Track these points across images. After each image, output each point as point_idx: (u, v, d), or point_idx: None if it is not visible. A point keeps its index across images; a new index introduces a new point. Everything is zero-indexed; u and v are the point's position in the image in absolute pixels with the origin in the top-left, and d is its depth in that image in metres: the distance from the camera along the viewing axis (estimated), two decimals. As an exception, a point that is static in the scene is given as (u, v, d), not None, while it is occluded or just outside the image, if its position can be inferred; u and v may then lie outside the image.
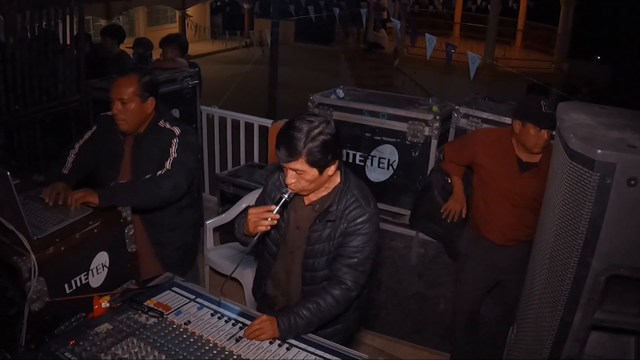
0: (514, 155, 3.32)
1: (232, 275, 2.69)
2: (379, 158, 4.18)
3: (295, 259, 2.59)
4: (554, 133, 3.31)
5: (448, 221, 3.69)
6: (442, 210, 3.72)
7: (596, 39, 17.49)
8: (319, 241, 2.48)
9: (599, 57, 18.68)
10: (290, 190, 2.36)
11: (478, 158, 3.45)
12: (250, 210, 2.40)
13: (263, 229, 2.36)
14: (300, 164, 2.26)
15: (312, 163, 2.27)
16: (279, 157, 2.29)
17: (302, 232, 2.54)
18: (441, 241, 3.92)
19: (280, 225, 2.55)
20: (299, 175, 2.30)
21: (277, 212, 2.37)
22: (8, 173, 2.18)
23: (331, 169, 2.36)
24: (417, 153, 4.04)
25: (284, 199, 2.37)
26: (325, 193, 2.48)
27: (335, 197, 2.45)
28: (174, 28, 24.39)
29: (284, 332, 2.26)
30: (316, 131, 2.25)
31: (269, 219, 2.35)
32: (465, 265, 3.69)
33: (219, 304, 2.46)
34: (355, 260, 2.43)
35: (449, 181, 3.78)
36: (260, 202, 2.65)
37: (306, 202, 2.53)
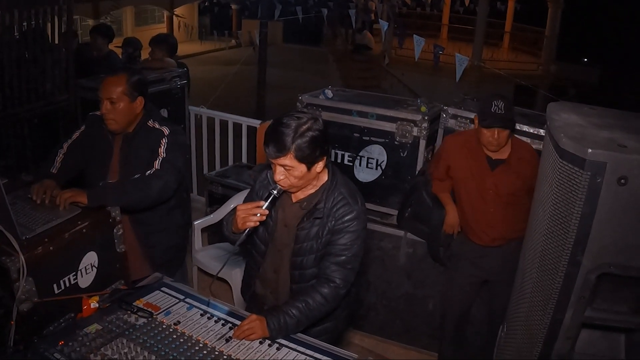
0: (483, 154, 3.37)
1: (221, 276, 2.68)
2: (368, 158, 4.18)
3: (284, 258, 2.58)
4: (546, 135, 3.37)
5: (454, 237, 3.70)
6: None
7: (583, 41, 17.63)
8: (307, 239, 2.48)
9: (585, 60, 18.84)
10: (279, 187, 2.36)
11: (451, 162, 3.49)
12: (239, 207, 2.39)
13: (252, 224, 2.35)
14: (289, 160, 2.27)
15: (300, 159, 2.27)
16: (268, 153, 2.29)
17: (290, 230, 2.53)
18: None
19: (269, 224, 2.55)
20: (288, 171, 2.31)
21: (266, 208, 2.36)
22: (-4, 173, 2.17)
23: (319, 166, 2.36)
24: (405, 153, 4.05)
25: (273, 195, 2.37)
26: (312, 191, 2.48)
27: (323, 194, 2.45)
28: (162, 28, 24.31)
29: (274, 331, 2.26)
30: (304, 127, 2.26)
31: (258, 215, 2.35)
32: (454, 267, 3.70)
33: (208, 304, 2.45)
34: (344, 258, 2.43)
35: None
36: (248, 201, 2.64)
37: (294, 200, 2.53)
